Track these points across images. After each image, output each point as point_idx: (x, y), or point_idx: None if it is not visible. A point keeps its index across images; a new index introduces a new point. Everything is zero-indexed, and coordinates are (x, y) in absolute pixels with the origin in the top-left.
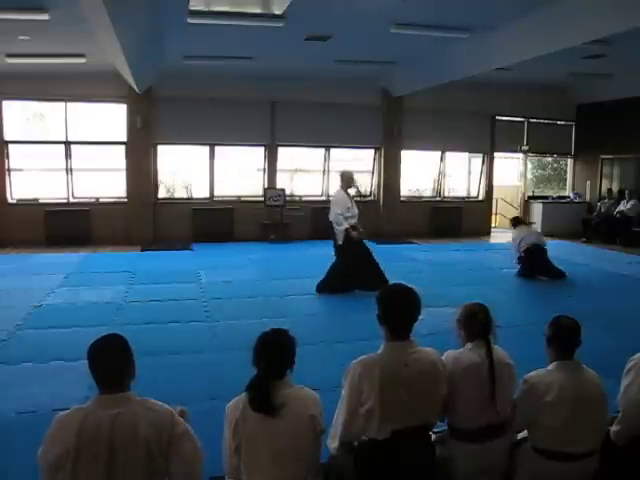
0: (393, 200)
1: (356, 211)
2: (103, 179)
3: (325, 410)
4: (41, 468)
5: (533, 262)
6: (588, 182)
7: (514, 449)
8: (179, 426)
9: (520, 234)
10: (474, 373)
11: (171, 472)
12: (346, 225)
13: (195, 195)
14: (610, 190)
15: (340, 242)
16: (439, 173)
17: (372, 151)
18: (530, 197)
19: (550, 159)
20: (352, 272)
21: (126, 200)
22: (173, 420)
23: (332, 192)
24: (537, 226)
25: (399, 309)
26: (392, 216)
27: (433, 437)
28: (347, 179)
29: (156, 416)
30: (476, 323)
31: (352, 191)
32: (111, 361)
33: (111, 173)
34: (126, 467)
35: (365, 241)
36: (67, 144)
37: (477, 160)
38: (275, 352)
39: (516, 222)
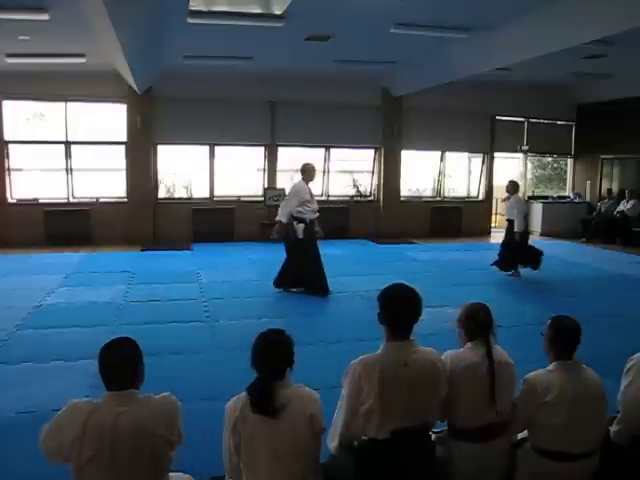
0: (393, 200)
1: (316, 206)
2: (103, 179)
3: (325, 410)
4: (44, 451)
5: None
6: (588, 182)
7: (514, 449)
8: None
9: (521, 202)
10: (474, 373)
11: None
12: (284, 220)
13: (195, 195)
14: (610, 190)
15: (300, 236)
16: (439, 173)
17: (372, 151)
18: (530, 197)
19: (550, 159)
20: (305, 272)
21: (126, 200)
22: (176, 409)
23: (331, 192)
24: (537, 226)
25: (400, 309)
26: (392, 216)
27: (433, 437)
28: (309, 171)
29: (161, 410)
30: (476, 322)
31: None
32: (121, 367)
33: (111, 173)
34: (129, 463)
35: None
36: (67, 144)
37: (477, 160)
38: (274, 353)
39: (516, 188)
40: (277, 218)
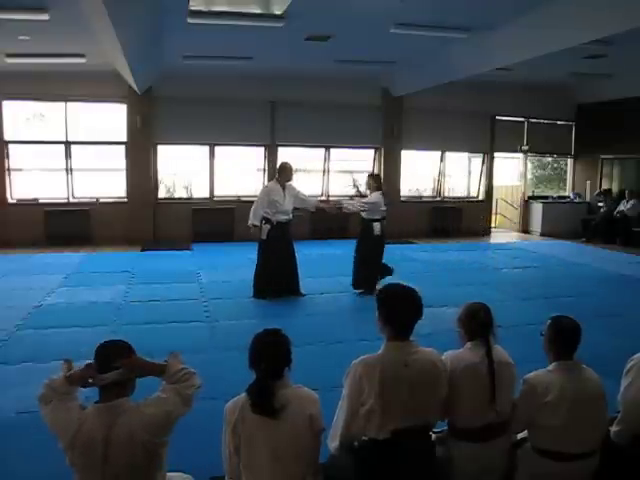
0: (393, 200)
1: (288, 208)
2: (103, 179)
3: (325, 410)
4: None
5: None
6: (588, 182)
7: (514, 449)
8: (175, 409)
9: (381, 199)
10: (474, 373)
11: None
12: (255, 222)
13: (195, 195)
14: (608, 191)
15: (264, 237)
16: (439, 173)
17: (372, 151)
18: (530, 197)
19: (550, 159)
20: (271, 274)
21: (126, 200)
22: (169, 413)
23: (331, 192)
24: (537, 226)
25: (401, 309)
26: (392, 216)
27: (433, 437)
28: (286, 171)
29: (150, 418)
30: (477, 322)
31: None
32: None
33: (111, 173)
34: (122, 472)
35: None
36: (67, 144)
37: (477, 160)
38: (271, 353)
39: (380, 182)
40: (250, 222)
